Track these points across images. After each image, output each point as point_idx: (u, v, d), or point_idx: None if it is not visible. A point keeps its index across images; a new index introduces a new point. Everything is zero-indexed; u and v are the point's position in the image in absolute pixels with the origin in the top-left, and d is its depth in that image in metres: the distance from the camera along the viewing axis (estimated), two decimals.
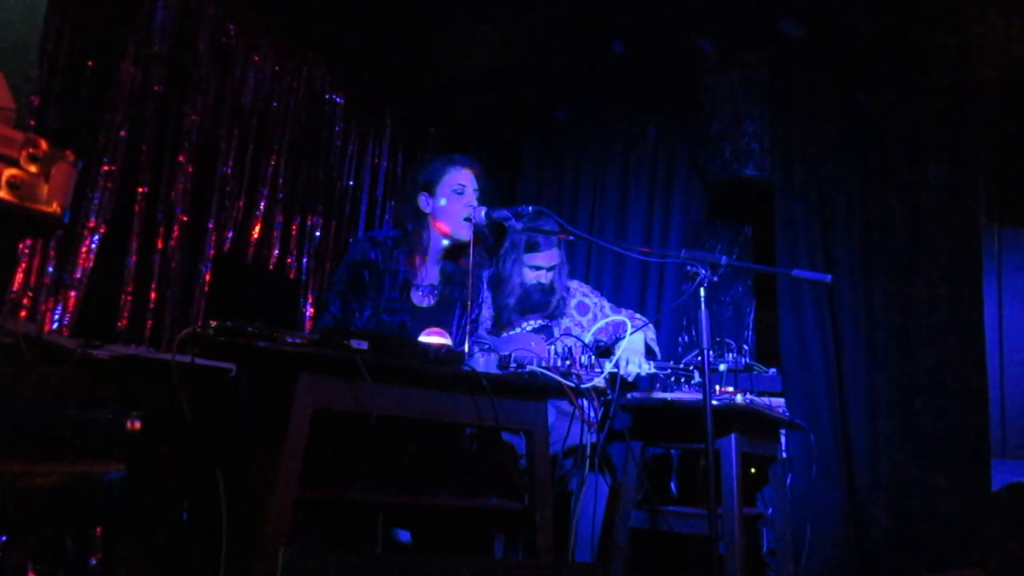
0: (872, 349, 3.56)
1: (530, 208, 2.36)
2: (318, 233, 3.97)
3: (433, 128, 4.72)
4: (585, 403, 2.16)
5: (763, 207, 3.96)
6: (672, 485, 3.10)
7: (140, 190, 3.09)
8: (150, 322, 3.11)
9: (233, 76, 3.53)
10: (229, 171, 3.48)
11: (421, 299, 2.61)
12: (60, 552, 1.55)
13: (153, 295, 3.12)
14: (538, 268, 3.02)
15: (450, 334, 2.45)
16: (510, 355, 1.98)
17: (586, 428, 2.24)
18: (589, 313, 3.17)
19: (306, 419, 1.74)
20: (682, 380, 2.70)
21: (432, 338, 2.22)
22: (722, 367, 2.64)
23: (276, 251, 3.72)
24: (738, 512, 2.40)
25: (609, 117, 4.39)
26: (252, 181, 3.61)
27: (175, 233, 3.22)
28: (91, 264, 2.89)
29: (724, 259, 2.22)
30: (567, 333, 2.92)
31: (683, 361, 2.73)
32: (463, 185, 2.53)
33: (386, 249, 2.58)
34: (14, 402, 1.57)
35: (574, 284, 3.23)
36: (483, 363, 1.96)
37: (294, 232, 3.83)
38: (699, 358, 2.18)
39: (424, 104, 4.57)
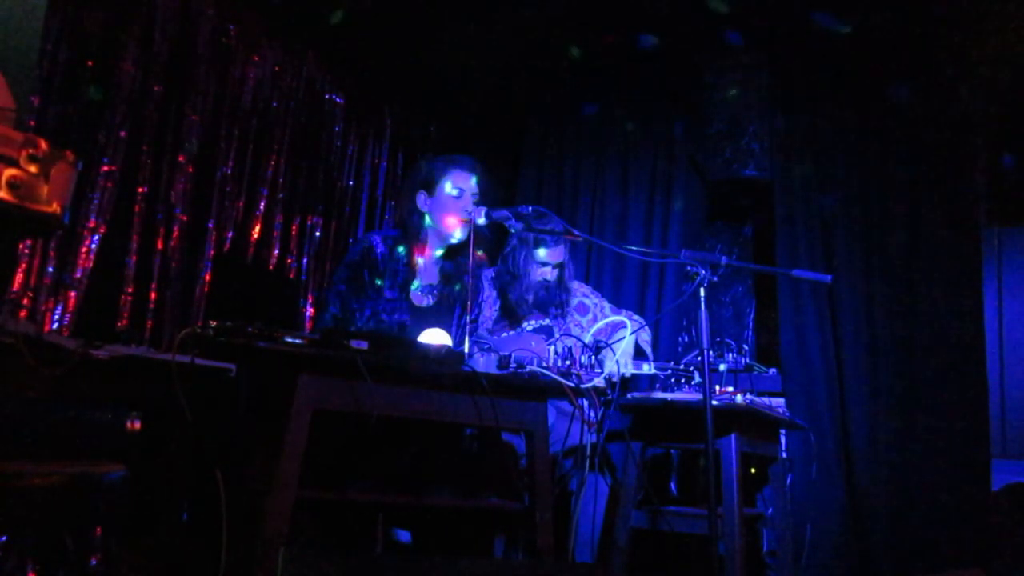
0: (872, 349, 3.56)
1: (530, 208, 2.36)
2: (318, 233, 3.97)
3: (433, 128, 4.72)
4: (585, 403, 2.16)
5: (763, 207, 3.96)
6: (672, 485, 3.10)
7: (140, 190, 3.09)
8: (150, 322, 3.10)
9: (233, 76, 3.53)
10: (229, 171, 3.48)
11: (420, 299, 2.61)
12: (60, 552, 1.55)
13: (153, 295, 3.12)
14: (545, 264, 3.02)
15: (449, 334, 2.45)
16: (510, 355, 1.99)
17: (586, 428, 2.24)
18: (589, 314, 3.17)
19: (306, 419, 1.74)
20: (682, 381, 2.70)
21: (432, 338, 2.22)
22: (722, 367, 2.64)
23: (276, 251, 3.72)
24: (738, 512, 2.40)
25: (609, 117, 4.39)
26: (252, 181, 3.61)
27: (175, 233, 3.22)
28: (91, 264, 2.89)
29: (724, 259, 2.22)
30: (567, 333, 2.93)
31: (683, 361, 2.73)
32: (461, 188, 2.53)
33: (386, 249, 2.58)
34: (14, 402, 1.57)
35: (575, 284, 3.23)
36: (483, 363, 1.96)
37: (294, 232, 3.83)
38: (699, 358, 2.19)
39: (424, 104, 4.57)
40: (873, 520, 3.40)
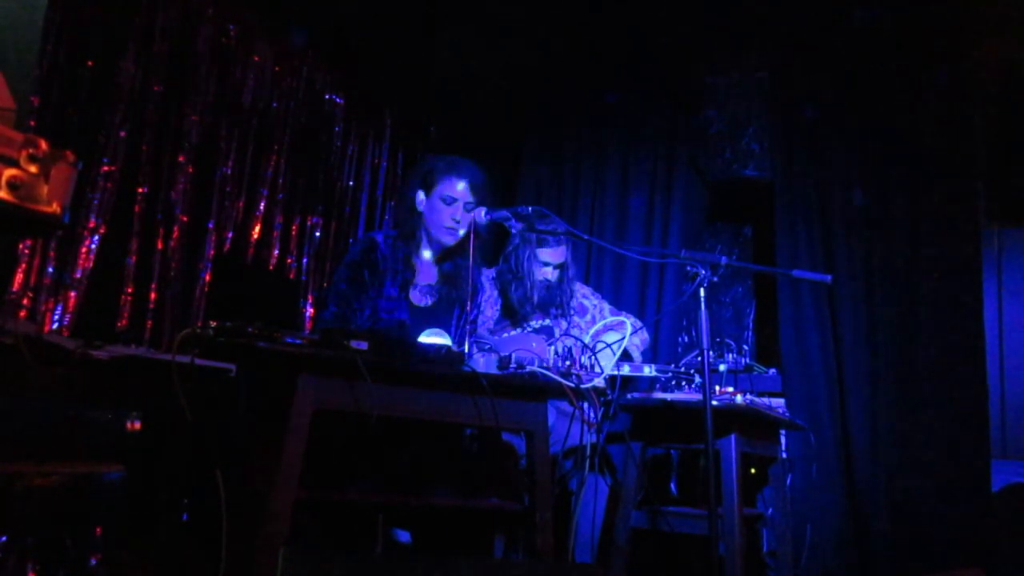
0: (872, 349, 3.55)
1: (531, 208, 2.36)
2: (318, 233, 3.97)
3: (433, 128, 4.72)
4: (585, 403, 2.15)
5: (763, 207, 3.96)
6: (672, 485, 3.10)
7: (140, 190, 3.09)
8: (150, 322, 3.10)
9: (233, 76, 3.53)
10: (229, 171, 3.48)
11: (420, 299, 2.61)
12: (60, 552, 1.55)
13: (153, 295, 3.12)
14: (547, 264, 3.02)
15: (449, 334, 2.46)
16: (510, 355, 1.99)
17: (586, 428, 2.24)
18: (588, 315, 3.16)
19: (306, 419, 1.74)
20: (682, 382, 2.70)
21: (432, 338, 2.22)
22: (722, 367, 2.64)
23: (276, 251, 3.72)
24: (738, 512, 2.40)
25: (609, 117, 4.39)
26: (252, 181, 3.61)
27: (175, 233, 3.22)
28: (91, 264, 2.89)
29: (724, 259, 2.22)
30: (567, 333, 2.92)
31: (683, 362, 2.73)
32: (453, 197, 2.53)
33: (386, 249, 2.58)
34: (14, 402, 1.57)
35: (576, 285, 3.23)
36: (483, 363, 1.96)
37: (294, 232, 3.83)
38: (699, 358, 2.18)
39: (424, 104, 4.57)
40: (873, 520, 3.40)
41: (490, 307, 3.07)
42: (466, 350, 2.02)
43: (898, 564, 3.32)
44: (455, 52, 4.09)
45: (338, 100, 4.13)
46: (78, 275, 2.85)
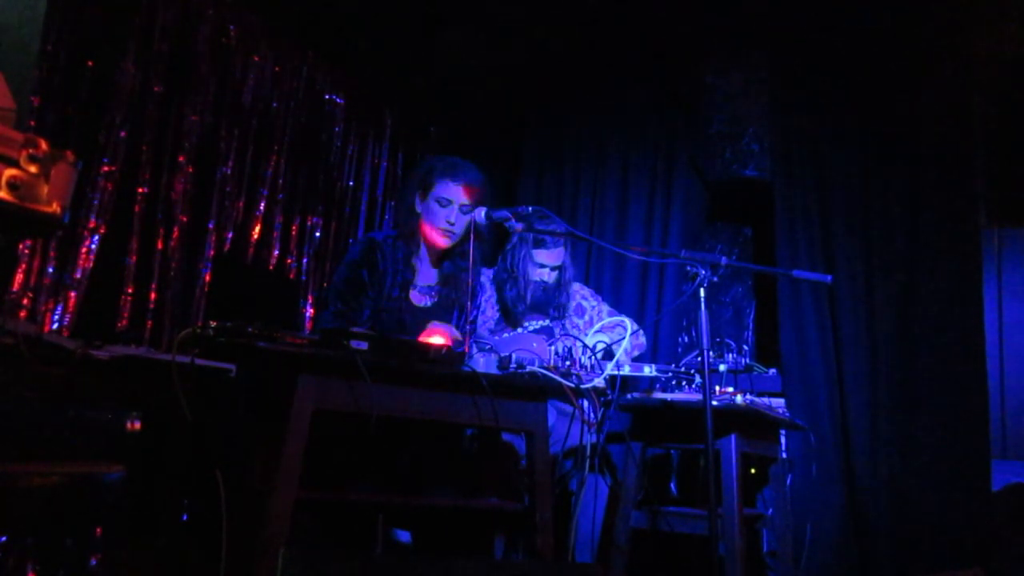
0: (872, 349, 3.55)
1: (531, 208, 2.35)
2: (318, 234, 3.97)
3: (433, 128, 4.72)
4: (585, 404, 2.15)
5: (763, 207, 3.96)
6: (672, 485, 3.10)
7: (140, 190, 3.09)
8: (150, 322, 3.10)
9: (233, 76, 3.53)
10: (229, 171, 3.48)
11: (420, 299, 2.61)
12: (60, 552, 1.55)
13: (153, 295, 3.12)
14: (543, 266, 3.00)
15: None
16: (510, 356, 1.99)
17: (586, 429, 2.24)
18: (585, 316, 3.16)
19: (306, 419, 1.74)
20: (683, 382, 2.70)
21: (433, 337, 2.22)
22: (722, 368, 2.64)
23: (276, 251, 3.72)
24: (738, 513, 2.40)
25: (609, 117, 4.39)
26: (252, 181, 3.61)
27: (175, 233, 3.22)
28: (91, 264, 2.89)
29: (724, 259, 2.22)
30: (567, 333, 2.92)
31: (683, 362, 2.72)
32: (448, 199, 2.53)
33: (385, 249, 2.58)
34: (14, 402, 1.57)
35: (576, 286, 3.22)
36: (483, 364, 1.96)
37: (294, 233, 3.83)
38: (699, 358, 2.18)
39: (424, 104, 4.57)
40: (873, 520, 3.40)
41: (491, 307, 3.07)
42: (466, 350, 2.02)
43: (898, 564, 3.32)
44: (455, 52, 4.09)
45: (338, 100, 4.13)
46: (78, 275, 2.85)
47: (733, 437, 2.44)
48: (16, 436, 1.55)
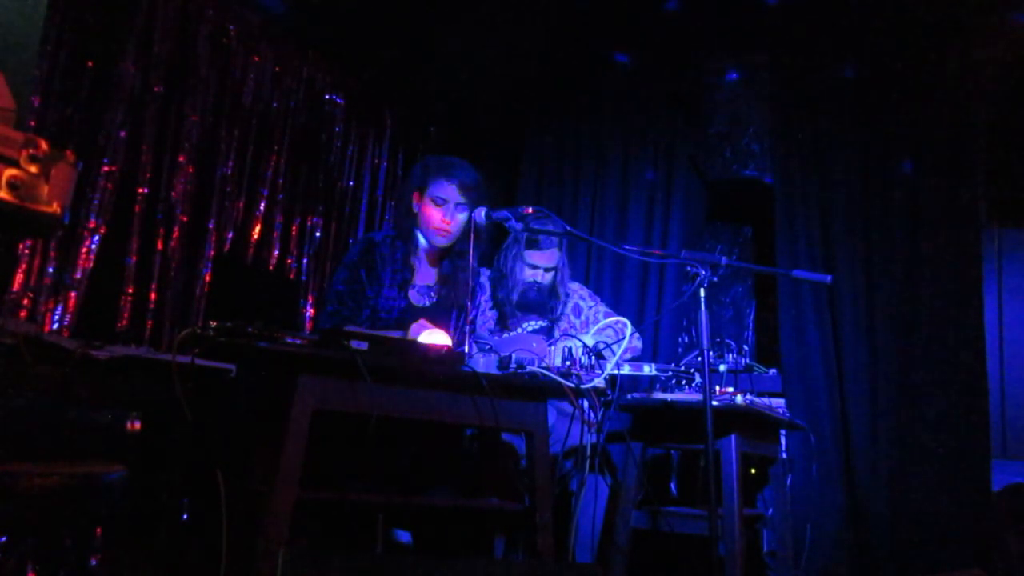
0: (872, 349, 3.55)
1: (530, 208, 2.35)
2: (318, 234, 3.97)
3: (433, 128, 4.72)
4: (585, 404, 2.15)
5: (763, 207, 3.96)
6: (672, 486, 3.10)
7: (140, 190, 3.09)
8: (150, 322, 3.10)
9: (233, 76, 3.53)
10: (229, 171, 3.48)
11: (419, 299, 2.61)
12: (60, 552, 1.55)
13: (153, 295, 3.12)
14: (535, 267, 2.98)
15: (449, 335, 2.45)
16: (510, 356, 1.99)
17: (586, 429, 2.24)
18: (582, 316, 3.15)
19: (306, 419, 1.74)
20: (683, 382, 2.70)
21: (432, 337, 2.22)
22: (722, 368, 2.64)
23: (276, 252, 3.72)
24: (738, 513, 2.40)
25: (609, 117, 4.39)
26: (252, 181, 3.61)
27: (175, 233, 3.22)
28: (91, 264, 2.89)
29: (724, 259, 2.22)
30: (567, 334, 2.92)
31: (683, 362, 2.72)
32: (443, 198, 2.53)
33: (384, 249, 2.59)
34: (14, 402, 1.57)
35: (574, 286, 3.22)
36: (483, 364, 1.96)
37: (294, 233, 3.83)
38: (699, 358, 2.18)
39: (424, 104, 4.57)
40: (873, 520, 3.40)
41: (490, 307, 3.06)
42: (466, 350, 2.02)
43: (898, 564, 3.32)
44: (455, 52, 4.09)
45: (338, 100, 4.13)
46: (78, 275, 2.85)
47: (733, 437, 2.44)
48: (16, 436, 1.55)
